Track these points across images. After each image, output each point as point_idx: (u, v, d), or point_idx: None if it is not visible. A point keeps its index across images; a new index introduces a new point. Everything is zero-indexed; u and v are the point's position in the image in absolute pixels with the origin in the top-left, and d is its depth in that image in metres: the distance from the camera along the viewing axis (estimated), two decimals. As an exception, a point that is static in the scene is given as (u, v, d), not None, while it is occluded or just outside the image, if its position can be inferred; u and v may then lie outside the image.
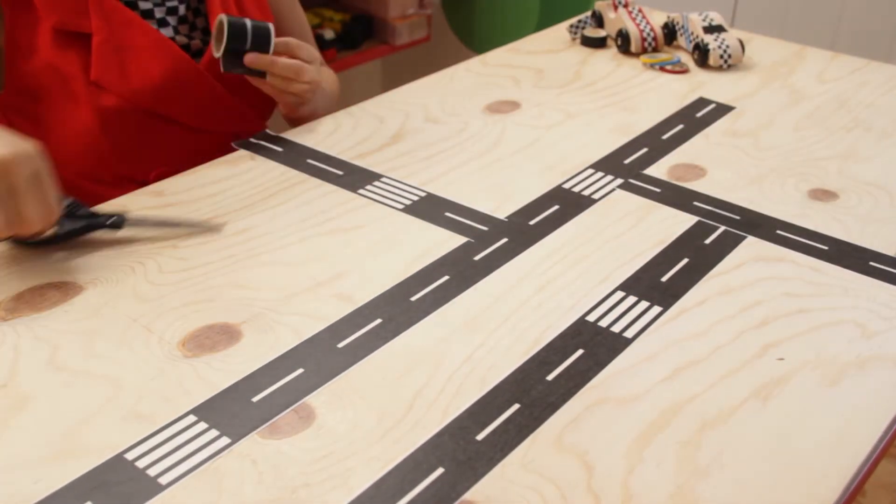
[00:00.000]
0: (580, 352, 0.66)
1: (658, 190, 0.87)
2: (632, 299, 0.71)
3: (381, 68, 2.63)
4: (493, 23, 2.29)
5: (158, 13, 0.98)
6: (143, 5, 0.96)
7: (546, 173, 0.90)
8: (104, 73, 0.93)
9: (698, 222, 0.82)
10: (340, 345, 0.66)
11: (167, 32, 0.98)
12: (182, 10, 0.99)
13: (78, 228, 0.76)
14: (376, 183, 0.88)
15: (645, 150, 0.95)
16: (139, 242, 0.78)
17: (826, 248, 0.78)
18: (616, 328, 0.68)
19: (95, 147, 0.95)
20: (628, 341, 0.67)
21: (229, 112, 1.01)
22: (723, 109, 1.05)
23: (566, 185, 0.88)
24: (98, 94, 0.93)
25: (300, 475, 0.55)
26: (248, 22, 0.92)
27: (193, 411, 0.60)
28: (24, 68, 0.94)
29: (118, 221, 0.77)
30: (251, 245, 0.78)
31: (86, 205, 0.77)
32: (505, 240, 0.79)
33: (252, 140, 0.96)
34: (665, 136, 0.98)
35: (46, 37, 0.91)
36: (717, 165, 0.92)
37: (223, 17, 0.92)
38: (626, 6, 1.23)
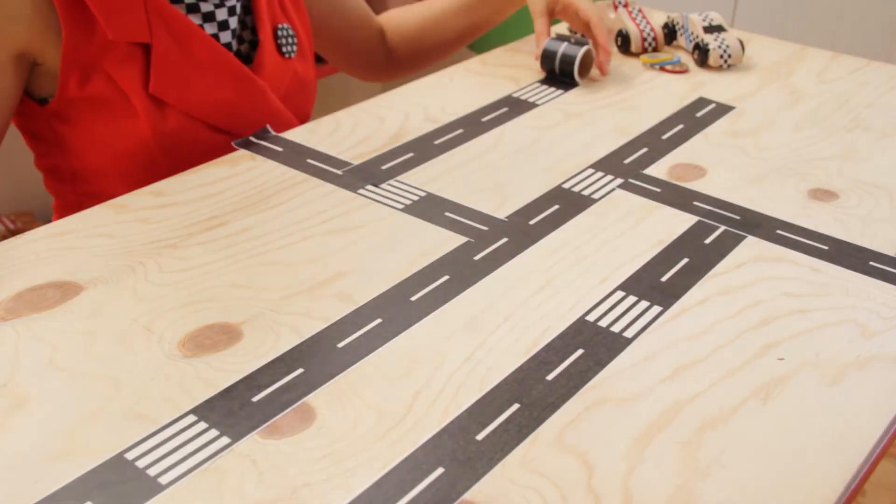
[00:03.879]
0: (580, 352, 0.66)
1: (658, 190, 0.87)
2: (632, 299, 0.71)
3: (381, 68, 2.62)
4: (493, 23, 2.28)
5: (220, 15, 0.96)
6: (205, 7, 0.95)
7: (546, 173, 0.90)
8: (163, 85, 0.91)
9: (698, 222, 0.82)
10: (340, 345, 0.66)
11: (226, 37, 0.97)
12: (238, 8, 0.99)
13: None
14: (376, 183, 0.88)
15: (645, 150, 0.95)
16: (139, 242, 0.78)
17: (826, 248, 0.78)
18: (616, 328, 0.68)
19: (149, 159, 0.94)
20: (628, 341, 0.67)
21: (280, 122, 1.01)
22: (723, 109, 1.05)
23: (566, 185, 0.88)
24: (157, 108, 0.92)
25: (300, 475, 0.55)
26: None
27: (193, 411, 0.60)
28: (81, 80, 0.90)
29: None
30: (251, 245, 0.78)
31: None
32: (505, 240, 0.79)
33: (252, 140, 0.96)
34: (665, 136, 0.98)
35: (106, 49, 0.89)
36: (717, 165, 0.92)
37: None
38: (626, 6, 1.23)
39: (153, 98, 0.92)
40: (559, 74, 1.10)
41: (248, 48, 1.02)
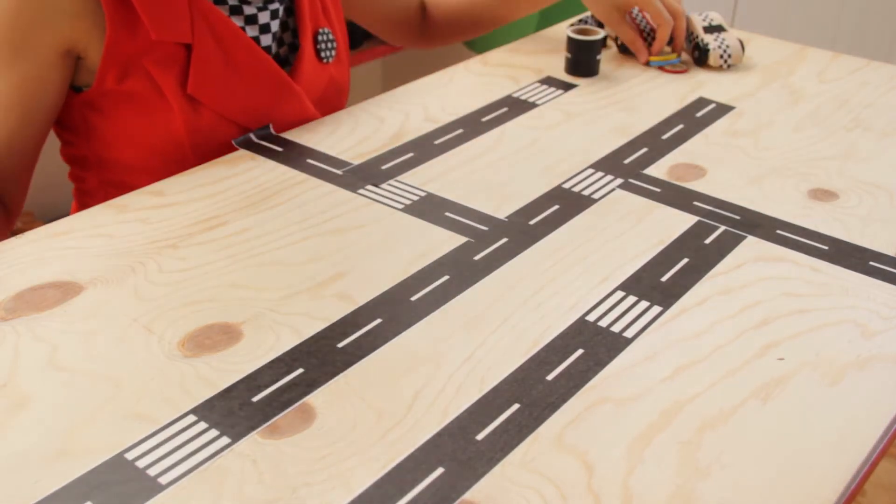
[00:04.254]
0: (580, 352, 0.66)
1: (658, 190, 0.87)
2: (632, 299, 0.71)
3: (381, 68, 2.63)
4: (494, 23, 2.28)
5: (262, 18, 0.97)
6: (248, 10, 0.95)
7: (546, 173, 0.90)
8: (201, 87, 0.92)
9: (698, 222, 0.82)
10: (340, 345, 0.66)
11: (266, 40, 0.97)
12: (281, 11, 0.99)
13: None
14: (376, 183, 0.88)
15: (645, 150, 0.95)
16: (139, 242, 0.78)
17: (826, 248, 0.78)
18: (616, 328, 0.68)
19: (181, 155, 0.94)
20: (628, 341, 0.67)
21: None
22: (723, 109, 1.05)
23: (566, 185, 0.88)
24: (192, 107, 0.92)
25: (300, 475, 0.55)
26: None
27: (193, 411, 0.60)
28: (120, 76, 0.90)
29: None
30: (251, 245, 0.78)
31: None
32: (505, 240, 0.79)
33: (252, 139, 0.96)
34: (665, 136, 0.98)
35: (149, 48, 0.89)
36: (717, 165, 0.92)
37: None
38: (626, 6, 1.23)
39: (189, 97, 0.92)
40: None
41: (287, 51, 1.02)
